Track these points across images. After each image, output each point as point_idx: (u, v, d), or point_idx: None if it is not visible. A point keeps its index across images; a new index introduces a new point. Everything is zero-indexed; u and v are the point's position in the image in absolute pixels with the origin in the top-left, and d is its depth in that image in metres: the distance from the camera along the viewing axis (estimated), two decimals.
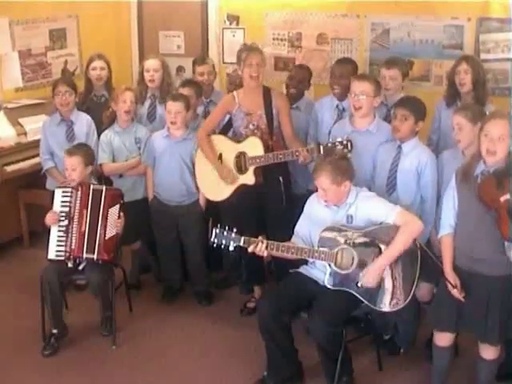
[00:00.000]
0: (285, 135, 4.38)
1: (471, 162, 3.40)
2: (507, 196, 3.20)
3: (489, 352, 3.49)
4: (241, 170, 4.33)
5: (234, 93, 4.43)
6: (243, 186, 4.33)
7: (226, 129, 4.59)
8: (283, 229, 4.08)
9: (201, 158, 4.51)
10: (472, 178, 3.34)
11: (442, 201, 3.60)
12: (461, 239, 3.42)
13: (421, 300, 3.93)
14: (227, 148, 4.40)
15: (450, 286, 3.40)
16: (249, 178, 4.30)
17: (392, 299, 3.61)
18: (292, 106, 4.72)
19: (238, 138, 4.40)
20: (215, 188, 4.45)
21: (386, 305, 3.63)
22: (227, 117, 4.53)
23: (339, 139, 3.90)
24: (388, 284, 3.62)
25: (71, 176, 4.25)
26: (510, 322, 3.36)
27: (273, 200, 4.38)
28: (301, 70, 5.03)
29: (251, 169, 4.28)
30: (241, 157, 4.33)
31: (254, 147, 4.26)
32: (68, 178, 4.28)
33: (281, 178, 4.37)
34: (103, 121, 4.88)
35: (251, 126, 4.35)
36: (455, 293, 3.38)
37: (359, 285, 3.61)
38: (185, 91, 4.79)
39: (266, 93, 4.36)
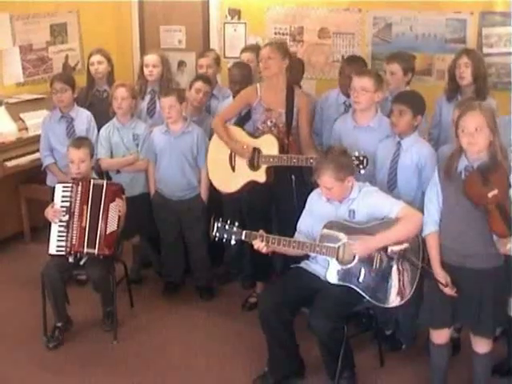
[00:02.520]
0: (301, 137, 4.33)
1: (452, 158, 3.35)
2: (495, 191, 3.17)
3: (481, 346, 3.48)
4: (253, 166, 4.30)
5: (257, 84, 4.39)
6: (253, 183, 4.31)
7: (243, 119, 4.52)
8: (293, 227, 4.06)
9: (214, 146, 4.48)
10: (456, 175, 3.31)
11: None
12: (449, 236, 3.39)
13: None
14: (243, 141, 4.35)
15: (441, 285, 3.38)
16: (260, 176, 4.26)
17: (397, 295, 3.60)
18: None
19: (254, 134, 4.36)
20: (226, 179, 4.43)
21: (391, 301, 3.61)
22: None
23: (356, 153, 3.78)
24: (395, 280, 3.60)
25: (80, 169, 4.23)
26: (503, 313, 3.37)
27: (284, 198, 4.34)
28: None
29: (263, 167, 4.24)
30: (255, 153, 4.29)
31: (269, 145, 4.22)
32: (76, 170, 4.24)
33: (293, 176, 4.33)
34: (111, 116, 4.85)
35: (269, 123, 4.32)
36: (447, 291, 3.37)
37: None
38: (198, 85, 4.85)
39: (290, 91, 4.31)
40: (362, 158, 3.77)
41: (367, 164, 3.78)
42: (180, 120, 4.58)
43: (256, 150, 4.29)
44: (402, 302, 3.60)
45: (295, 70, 4.79)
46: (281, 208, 4.39)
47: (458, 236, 3.34)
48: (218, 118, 4.47)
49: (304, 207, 3.94)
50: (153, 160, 4.69)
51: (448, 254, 3.40)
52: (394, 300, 3.61)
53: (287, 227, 4.06)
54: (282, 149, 4.21)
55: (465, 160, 3.31)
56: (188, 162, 4.61)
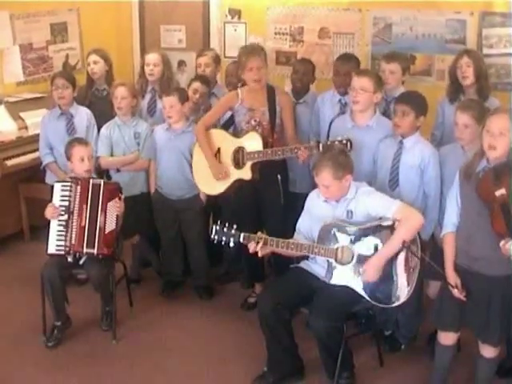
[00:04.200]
0: (286, 133, 4.36)
1: (474, 160, 3.36)
2: (503, 191, 3.16)
3: (488, 350, 3.47)
4: (238, 164, 4.31)
5: (239, 90, 4.41)
6: (240, 181, 4.32)
7: (228, 124, 4.57)
8: (282, 227, 4.07)
9: (197, 150, 4.49)
10: (474, 176, 3.32)
11: (446, 198, 3.58)
12: (460, 237, 3.39)
13: (431, 297, 3.91)
14: (226, 142, 4.38)
15: (450, 286, 3.38)
16: (245, 173, 4.28)
17: (404, 291, 3.57)
18: (299, 100, 4.71)
19: (237, 133, 4.38)
20: (210, 182, 4.43)
21: (395, 299, 3.59)
22: (228, 113, 4.52)
23: (339, 138, 3.86)
24: (400, 276, 3.58)
25: (86, 166, 4.21)
26: (510, 323, 3.34)
27: (271, 198, 4.37)
28: (304, 63, 4.99)
29: (249, 164, 4.25)
30: (239, 151, 4.30)
31: (253, 142, 4.24)
32: (87, 168, 4.22)
33: (279, 176, 4.36)
34: (114, 115, 4.82)
35: (253, 122, 4.33)
36: (455, 293, 3.36)
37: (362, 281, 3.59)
38: (196, 85, 4.86)
39: (270, 91, 4.34)
40: (345, 142, 3.83)
41: (351, 147, 3.82)
42: (182, 119, 4.59)
43: (240, 149, 4.30)
44: (401, 301, 3.58)
45: (307, 72, 4.80)
46: (268, 208, 4.41)
47: (468, 237, 3.34)
48: (200, 125, 4.47)
49: (291, 207, 3.94)
50: (154, 157, 4.70)
51: (459, 255, 3.40)
52: (400, 297, 3.57)
53: (275, 227, 4.16)
54: (266, 146, 4.23)
55: (485, 161, 3.31)
56: (187, 161, 4.60)
